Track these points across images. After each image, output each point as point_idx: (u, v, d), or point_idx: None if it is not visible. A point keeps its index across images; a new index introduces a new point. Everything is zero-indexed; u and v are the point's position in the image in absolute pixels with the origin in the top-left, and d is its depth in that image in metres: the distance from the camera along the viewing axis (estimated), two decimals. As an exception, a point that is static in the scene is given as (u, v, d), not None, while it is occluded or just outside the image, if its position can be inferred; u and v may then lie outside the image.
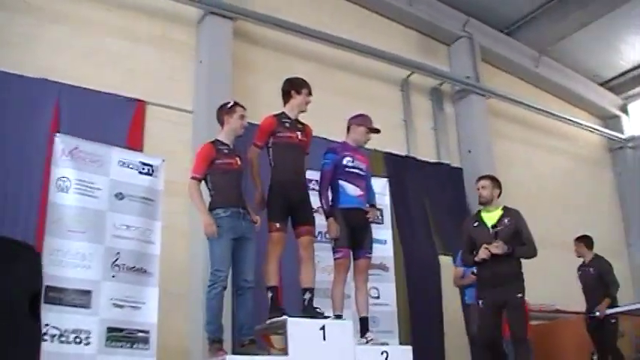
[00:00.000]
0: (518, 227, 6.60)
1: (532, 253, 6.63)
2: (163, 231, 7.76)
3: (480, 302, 6.62)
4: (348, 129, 6.69)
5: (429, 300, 9.99)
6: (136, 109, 8.58)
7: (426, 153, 11.48)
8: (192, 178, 5.96)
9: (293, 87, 6.37)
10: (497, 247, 6.43)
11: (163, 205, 7.92)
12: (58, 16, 8.44)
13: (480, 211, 6.92)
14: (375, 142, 9.96)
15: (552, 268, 11.90)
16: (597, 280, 8.98)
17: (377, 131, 6.69)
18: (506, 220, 6.63)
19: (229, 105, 6.28)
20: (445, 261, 10.40)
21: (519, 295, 6.44)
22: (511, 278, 6.48)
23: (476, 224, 6.80)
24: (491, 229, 6.62)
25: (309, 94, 6.37)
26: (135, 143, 8.28)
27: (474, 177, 11.36)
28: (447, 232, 10.84)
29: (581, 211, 13.45)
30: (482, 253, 6.49)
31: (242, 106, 6.29)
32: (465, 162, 11.89)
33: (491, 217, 6.72)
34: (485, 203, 6.81)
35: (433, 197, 11.02)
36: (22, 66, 7.89)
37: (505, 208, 6.75)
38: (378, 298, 7.78)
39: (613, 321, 8.76)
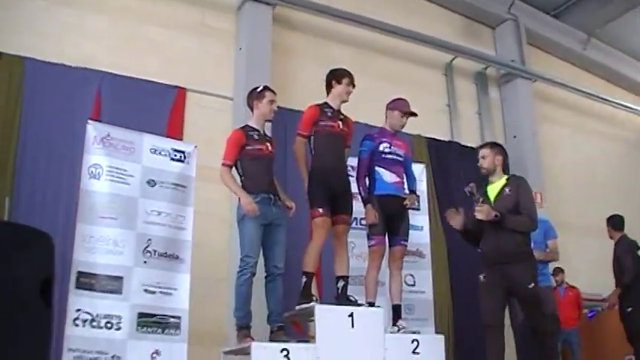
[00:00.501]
0: (518, 196, 5.73)
1: (527, 224, 5.74)
2: (201, 217, 7.82)
3: (482, 276, 5.83)
4: (386, 115, 6.55)
5: (472, 289, 9.79)
6: (176, 96, 8.63)
7: (470, 138, 11.26)
8: (223, 164, 5.94)
9: (334, 77, 6.30)
10: (481, 212, 5.64)
11: (202, 192, 7.96)
12: (98, 5, 8.53)
13: (485, 185, 6.03)
14: (418, 128, 9.94)
15: (603, 256, 11.61)
16: (616, 264, 8.31)
17: (413, 114, 6.52)
18: (507, 190, 5.78)
19: (258, 89, 6.22)
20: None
21: (531, 285, 5.60)
22: (516, 256, 5.64)
23: (481, 199, 5.84)
24: (493, 203, 5.75)
25: (350, 83, 6.26)
26: (175, 130, 8.35)
27: (519, 163, 11.30)
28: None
29: (633, 197, 13.07)
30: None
31: (272, 91, 6.22)
32: (509, 147, 11.49)
33: (493, 189, 5.91)
34: (487, 174, 5.99)
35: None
36: (63, 55, 8.02)
37: (509, 178, 5.96)
38: (413, 285, 7.66)
39: (629, 309, 8.04)
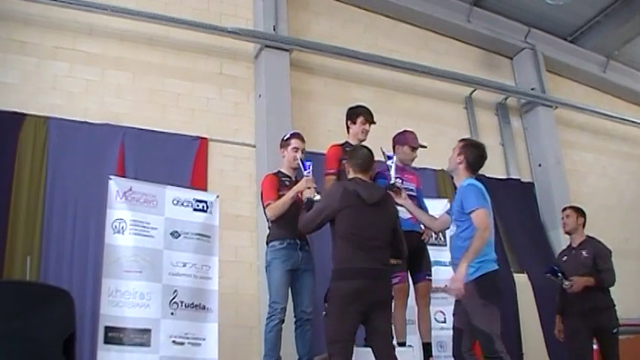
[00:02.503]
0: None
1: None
2: (230, 266, 7.82)
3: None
4: (394, 149, 6.41)
5: (504, 320, 9.49)
6: (199, 146, 8.62)
7: (494, 170, 11.06)
8: (267, 205, 5.93)
9: (349, 117, 6.28)
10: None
11: (229, 240, 7.98)
12: (118, 63, 8.60)
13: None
14: (441, 162, 9.77)
15: (634, 280, 11.32)
16: None
17: (422, 147, 6.40)
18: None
19: (285, 137, 6.27)
20: (520, 278, 9.96)
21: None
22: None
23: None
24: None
25: (366, 122, 6.18)
26: (199, 180, 8.35)
27: (545, 191, 11.13)
28: (520, 248, 10.43)
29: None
30: None
31: (300, 138, 6.20)
32: (535, 176, 11.46)
33: None
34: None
35: (504, 214, 10.52)
36: (87, 113, 8.11)
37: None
38: (444, 322, 7.43)
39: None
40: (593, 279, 6.69)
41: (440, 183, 9.98)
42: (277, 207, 5.83)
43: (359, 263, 4.80)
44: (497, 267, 4.99)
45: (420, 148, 6.48)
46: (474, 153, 5.22)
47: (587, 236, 7.07)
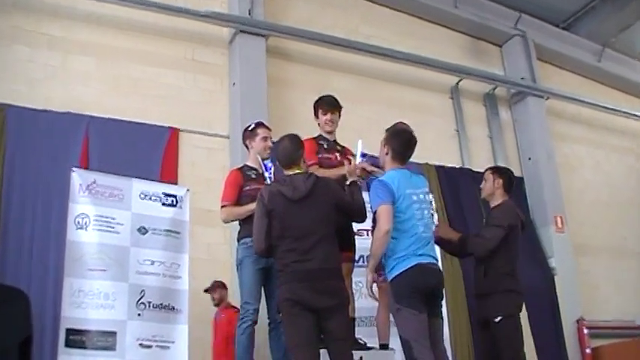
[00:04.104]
0: None
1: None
2: (202, 264, 7.78)
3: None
4: None
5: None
6: (169, 137, 8.61)
7: (482, 163, 11.03)
8: (222, 206, 5.87)
9: (314, 111, 6.14)
10: None
11: (201, 237, 7.95)
12: (82, 48, 8.54)
13: None
14: (426, 156, 9.85)
15: (631, 280, 11.46)
16: None
17: None
18: None
19: (251, 127, 6.18)
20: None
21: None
22: None
23: None
24: None
25: (326, 112, 6.07)
26: (169, 173, 8.35)
27: (536, 186, 11.21)
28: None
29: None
30: None
31: (266, 127, 6.17)
32: (525, 170, 11.53)
33: None
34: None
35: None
36: (49, 100, 8.04)
37: None
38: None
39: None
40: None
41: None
42: (232, 214, 5.82)
43: (294, 266, 4.73)
44: (416, 262, 4.68)
45: None
46: (398, 140, 5.06)
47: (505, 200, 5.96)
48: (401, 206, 4.74)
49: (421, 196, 4.88)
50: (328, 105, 6.08)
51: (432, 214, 5.22)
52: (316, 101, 6.19)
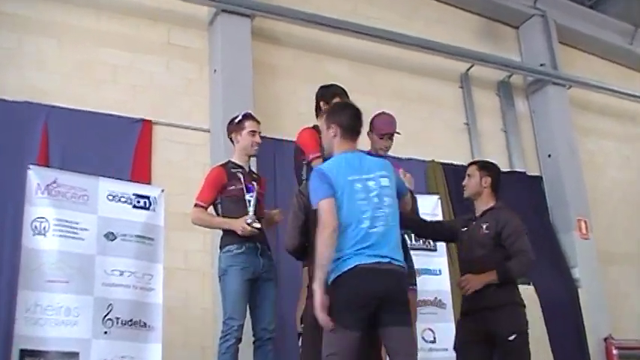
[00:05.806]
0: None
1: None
2: (179, 274, 7.76)
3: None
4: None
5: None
6: (142, 130, 8.58)
7: (495, 160, 10.95)
8: (195, 205, 5.87)
9: (323, 97, 6.05)
10: None
11: (178, 244, 7.93)
12: (45, 28, 8.48)
13: None
14: (432, 152, 9.82)
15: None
16: None
17: (396, 133, 6.19)
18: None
19: (237, 119, 6.16)
20: (525, 292, 9.93)
21: None
22: None
23: None
24: None
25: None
26: (141, 171, 8.33)
27: (556, 186, 11.19)
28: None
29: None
30: None
31: (254, 119, 6.14)
32: (545, 168, 11.55)
33: None
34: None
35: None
36: (2, 89, 7.95)
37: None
38: (433, 342, 7.48)
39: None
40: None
41: (430, 176, 9.99)
42: (201, 220, 5.94)
43: None
44: (355, 264, 4.29)
45: (399, 135, 6.32)
46: (345, 114, 4.76)
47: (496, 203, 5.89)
48: (341, 198, 4.39)
49: (370, 183, 4.48)
50: (346, 97, 6.00)
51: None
52: (329, 88, 6.11)
